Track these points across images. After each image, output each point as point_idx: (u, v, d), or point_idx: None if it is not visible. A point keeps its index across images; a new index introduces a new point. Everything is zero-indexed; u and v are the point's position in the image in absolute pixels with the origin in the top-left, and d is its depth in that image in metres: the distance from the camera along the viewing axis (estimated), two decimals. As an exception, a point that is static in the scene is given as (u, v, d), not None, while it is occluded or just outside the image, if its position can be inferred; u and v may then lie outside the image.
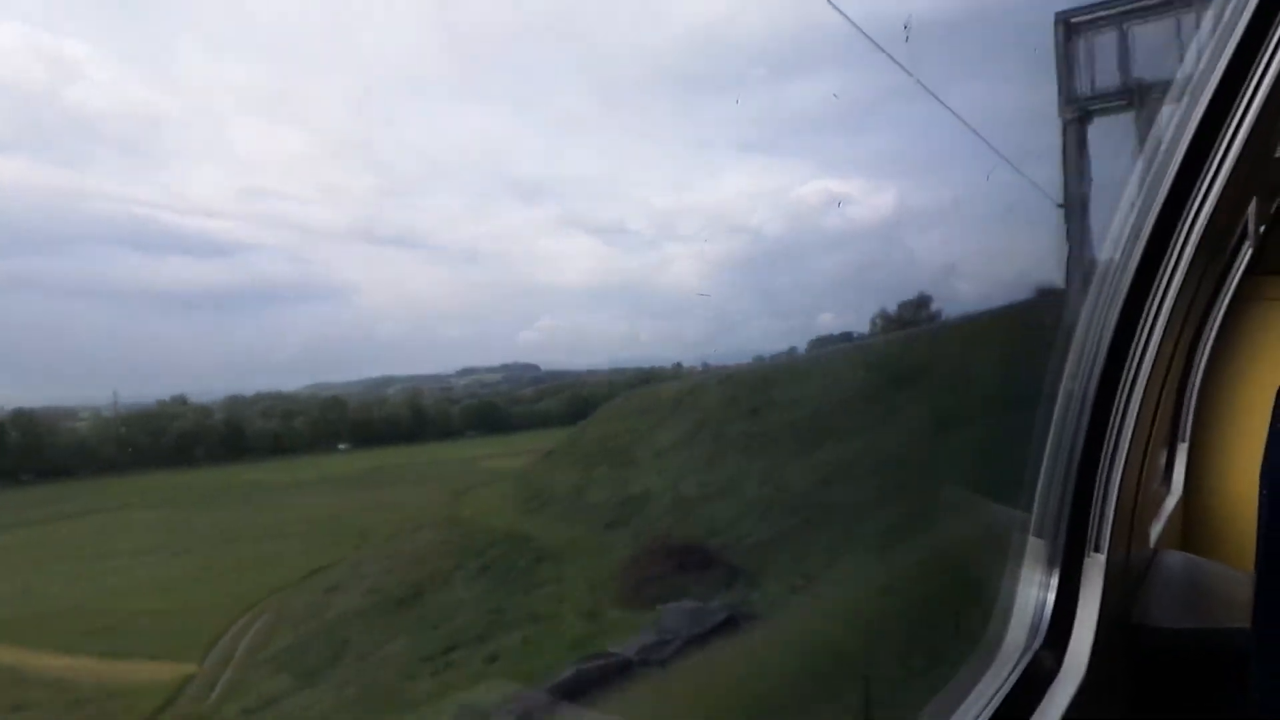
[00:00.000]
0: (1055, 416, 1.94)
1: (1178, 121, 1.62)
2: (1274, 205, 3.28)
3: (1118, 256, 1.79)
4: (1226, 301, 4.04)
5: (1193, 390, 4.48)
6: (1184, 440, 4.56)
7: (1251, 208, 2.49)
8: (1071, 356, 1.92)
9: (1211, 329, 4.16)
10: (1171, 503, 4.14)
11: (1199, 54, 1.54)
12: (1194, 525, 4.41)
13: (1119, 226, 1.78)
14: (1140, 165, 1.71)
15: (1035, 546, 1.97)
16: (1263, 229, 3.37)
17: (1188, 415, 4.55)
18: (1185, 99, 1.59)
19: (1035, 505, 1.97)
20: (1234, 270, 3.79)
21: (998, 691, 1.72)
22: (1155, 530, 3.18)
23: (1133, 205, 1.73)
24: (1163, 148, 1.65)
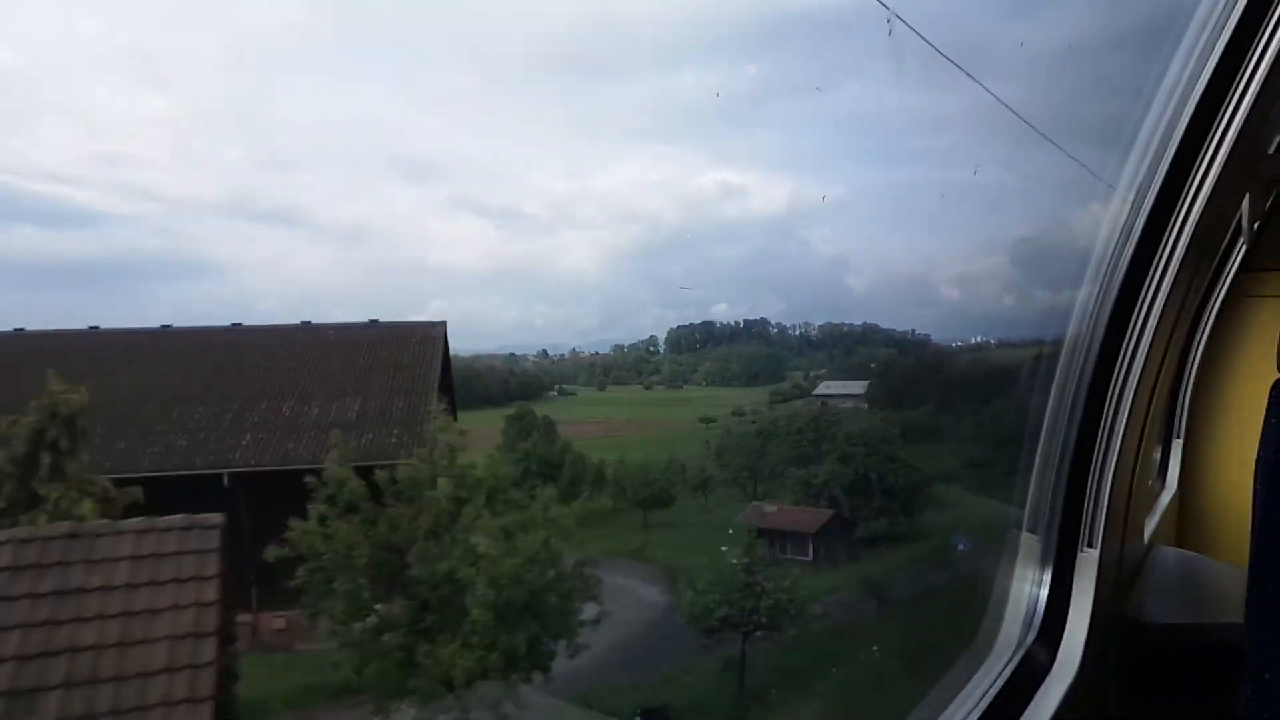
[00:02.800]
0: (1049, 411, 1.95)
1: (1169, 117, 1.62)
2: (1268, 201, 3.29)
3: (1110, 252, 1.79)
4: (1221, 297, 4.05)
5: (1187, 386, 4.49)
6: (1179, 436, 4.57)
7: (1245, 204, 2.49)
8: (1065, 352, 1.92)
9: (1206, 325, 4.17)
10: (1166, 498, 4.15)
11: (1189, 50, 1.55)
12: (1189, 520, 4.42)
13: (1111, 222, 1.78)
14: (1132, 161, 1.71)
15: (1028, 542, 1.97)
16: (1256, 225, 3.37)
17: (1183, 411, 4.56)
18: (1176, 95, 1.59)
19: (1028, 500, 1.97)
20: (1229, 266, 3.80)
21: (991, 687, 1.73)
22: (1150, 525, 3.19)
23: (1124, 200, 1.74)
24: (1154, 143, 1.65)
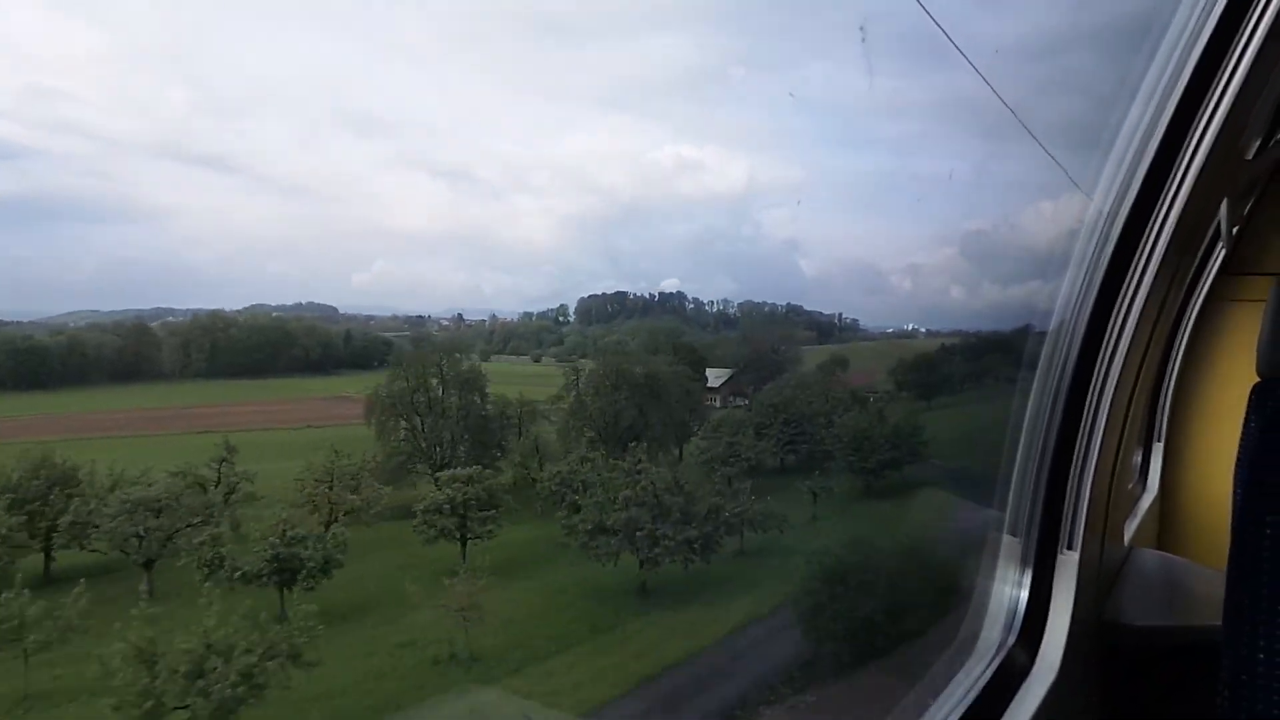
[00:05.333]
0: (1028, 414, 1.95)
1: (1148, 121, 1.63)
2: (1246, 206, 3.32)
3: (1090, 253, 1.80)
4: (1201, 301, 4.09)
5: (1168, 389, 4.52)
6: (1159, 439, 4.60)
7: (1223, 209, 2.51)
8: (1045, 354, 1.93)
9: (1186, 328, 4.20)
10: (1147, 501, 4.17)
11: (1167, 54, 1.55)
12: (1170, 523, 4.44)
13: (1090, 226, 1.79)
14: (1110, 162, 1.72)
15: (1009, 544, 1.98)
16: (1235, 230, 3.40)
17: (1163, 414, 4.59)
18: (1155, 98, 1.60)
19: (1009, 503, 1.98)
20: (1208, 270, 3.84)
21: (971, 688, 1.72)
22: (1130, 528, 3.21)
23: (1103, 202, 1.74)
24: (1132, 146, 1.66)
